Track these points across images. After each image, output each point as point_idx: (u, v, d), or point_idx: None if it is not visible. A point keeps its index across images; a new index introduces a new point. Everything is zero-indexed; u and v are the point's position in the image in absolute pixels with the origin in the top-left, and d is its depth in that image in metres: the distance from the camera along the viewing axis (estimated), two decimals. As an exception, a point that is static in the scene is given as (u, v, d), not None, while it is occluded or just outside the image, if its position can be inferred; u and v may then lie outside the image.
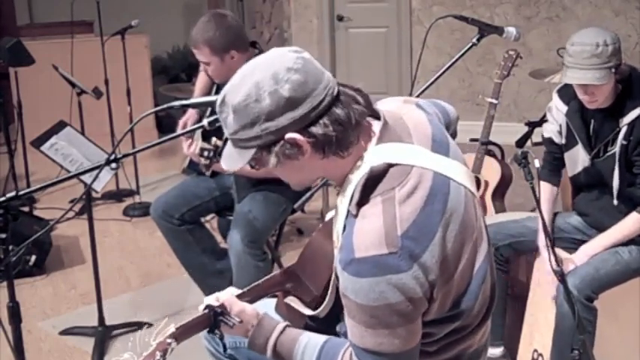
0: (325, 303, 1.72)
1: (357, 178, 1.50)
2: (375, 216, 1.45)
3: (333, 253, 1.66)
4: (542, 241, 2.63)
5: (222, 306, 1.68)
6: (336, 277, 1.54)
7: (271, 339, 1.65)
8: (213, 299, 1.71)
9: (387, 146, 1.52)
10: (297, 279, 1.84)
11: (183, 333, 1.63)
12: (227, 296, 1.72)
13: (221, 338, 1.67)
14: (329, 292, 1.70)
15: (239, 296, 1.76)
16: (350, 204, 1.50)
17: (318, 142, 1.47)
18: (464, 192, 1.56)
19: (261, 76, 1.45)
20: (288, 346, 1.64)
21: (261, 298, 1.86)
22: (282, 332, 1.66)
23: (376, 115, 1.56)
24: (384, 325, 1.45)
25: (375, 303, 1.43)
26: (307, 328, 1.73)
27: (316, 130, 1.46)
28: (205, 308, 1.68)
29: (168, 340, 1.59)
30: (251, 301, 1.78)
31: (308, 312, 1.77)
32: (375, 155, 1.51)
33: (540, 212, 2.15)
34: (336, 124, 1.46)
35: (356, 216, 1.48)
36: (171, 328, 1.62)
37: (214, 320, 1.66)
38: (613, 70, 2.40)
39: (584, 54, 2.40)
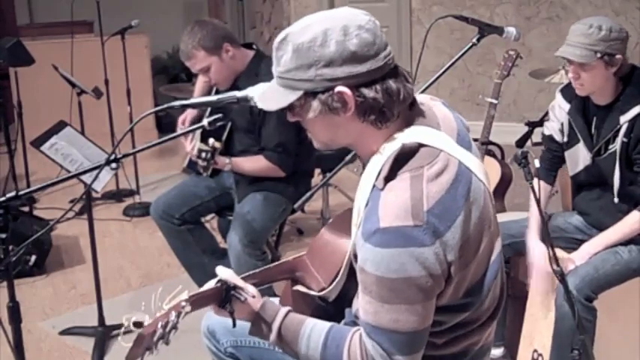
0: (335, 283, 1.71)
1: (387, 154, 1.52)
2: (402, 190, 1.47)
3: (343, 246, 1.67)
4: (533, 237, 2.64)
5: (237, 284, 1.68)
6: (354, 256, 1.55)
7: (276, 322, 1.65)
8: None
9: (419, 128, 1.55)
10: (307, 268, 1.85)
11: (196, 301, 1.63)
12: (228, 274, 1.71)
13: (231, 313, 1.67)
14: (340, 274, 1.69)
15: (248, 277, 1.76)
16: (377, 179, 1.51)
17: (364, 105, 1.49)
18: (483, 188, 1.59)
19: (332, 25, 1.48)
20: (294, 330, 1.63)
21: (268, 283, 1.87)
22: (286, 316, 1.66)
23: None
24: (401, 300, 1.46)
25: (395, 275, 1.44)
26: (313, 317, 1.72)
27: (367, 92, 1.48)
28: (218, 282, 1.68)
29: (183, 304, 1.60)
30: (257, 285, 1.78)
31: (319, 294, 1.76)
32: (407, 135, 1.53)
33: (541, 212, 2.15)
34: (385, 93, 1.49)
35: (382, 189, 1.49)
36: (185, 295, 1.62)
37: (226, 294, 1.66)
38: (599, 54, 2.41)
39: (576, 32, 2.46)
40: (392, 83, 1.49)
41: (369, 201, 1.51)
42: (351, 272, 1.61)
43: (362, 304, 1.52)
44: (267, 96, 1.57)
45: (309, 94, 1.49)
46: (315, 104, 1.49)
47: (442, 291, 1.51)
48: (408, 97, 1.53)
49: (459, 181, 1.52)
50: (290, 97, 1.51)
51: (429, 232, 1.44)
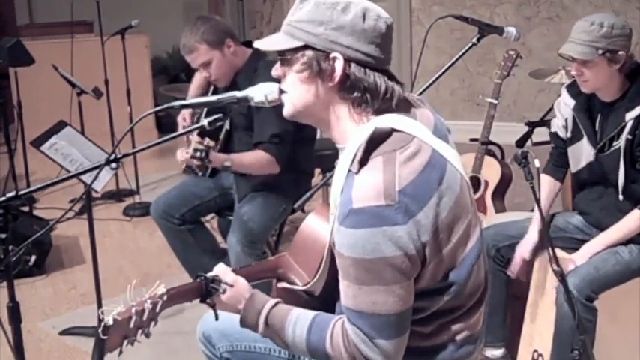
0: (318, 274, 1.71)
1: (361, 139, 1.54)
2: (375, 172, 1.50)
3: (323, 238, 1.68)
4: (533, 237, 2.65)
5: (215, 277, 1.71)
6: (333, 244, 1.56)
7: (263, 312, 1.67)
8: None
9: (393, 116, 1.58)
10: (290, 265, 1.86)
11: (174, 295, 1.65)
12: (220, 268, 1.75)
13: (213, 306, 1.70)
14: (322, 265, 1.69)
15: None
16: (352, 164, 1.53)
17: (348, 81, 1.54)
18: (460, 177, 1.61)
19: (357, 1, 1.55)
20: (280, 319, 1.65)
21: (252, 281, 1.86)
22: (274, 306, 1.68)
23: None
24: (378, 281, 1.48)
25: (370, 255, 1.46)
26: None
27: (357, 70, 1.53)
28: (197, 277, 1.70)
29: (159, 293, 1.60)
30: None
31: (302, 287, 1.77)
32: (380, 120, 1.56)
33: (540, 212, 2.15)
34: (373, 81, 1.54)
35: (357, 173, 1.52)
36: (162, 288, 1.63)
37: (206, 288, 1.69)
38: (600, 51, 2.41)
39: (578, 29, 2.47)
40: (381, 78, 1.55)
41: (345, 186, 1.54)
42: (336, 264, 1.61)
43: (342, 289, 1.54)
44: (269, 40, 1.63)
45: (307, 48, 1.54)
46: (307, 59, 1.54)
47: (419, 273, 1.52)
48: (391, 97, 1.57)
49: (432, 165, 1.54)
50: (290, 43, 1.56)
51: (401, 211, 1.46)
